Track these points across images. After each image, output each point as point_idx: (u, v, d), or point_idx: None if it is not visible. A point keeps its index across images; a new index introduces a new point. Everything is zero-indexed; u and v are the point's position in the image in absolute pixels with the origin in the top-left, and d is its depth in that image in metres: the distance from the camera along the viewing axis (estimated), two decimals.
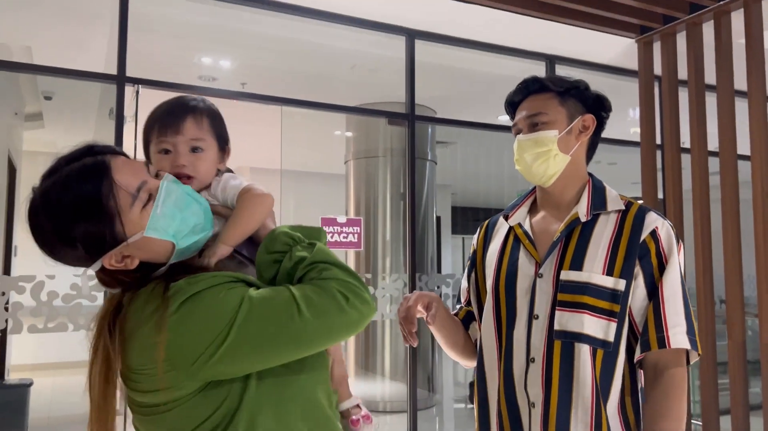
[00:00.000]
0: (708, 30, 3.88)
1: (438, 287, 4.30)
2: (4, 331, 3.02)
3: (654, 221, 1.31)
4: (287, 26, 3.96)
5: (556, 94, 1.39)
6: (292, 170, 5.69)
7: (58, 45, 4.13)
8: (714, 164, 3.84)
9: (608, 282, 1.27)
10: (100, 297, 3.30)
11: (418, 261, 4.55)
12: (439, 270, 9.59)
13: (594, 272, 1.27)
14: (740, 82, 3.71)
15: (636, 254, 1.28)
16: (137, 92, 3.50)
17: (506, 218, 1.49)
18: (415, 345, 1.37)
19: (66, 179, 0.91)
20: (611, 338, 1.26)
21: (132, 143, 3.49)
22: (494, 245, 1.48)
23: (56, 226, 0.91)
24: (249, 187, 1.12)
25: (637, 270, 1.28)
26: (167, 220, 0.94)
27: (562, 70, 4.70)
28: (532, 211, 1.47)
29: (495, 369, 1.37)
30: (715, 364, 3.81)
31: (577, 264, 1.30)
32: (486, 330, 1.41)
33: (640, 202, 1.38)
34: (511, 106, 1.46)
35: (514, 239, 1.43)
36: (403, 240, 5.22)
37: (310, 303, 0.91)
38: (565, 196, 1.40)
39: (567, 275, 1.30)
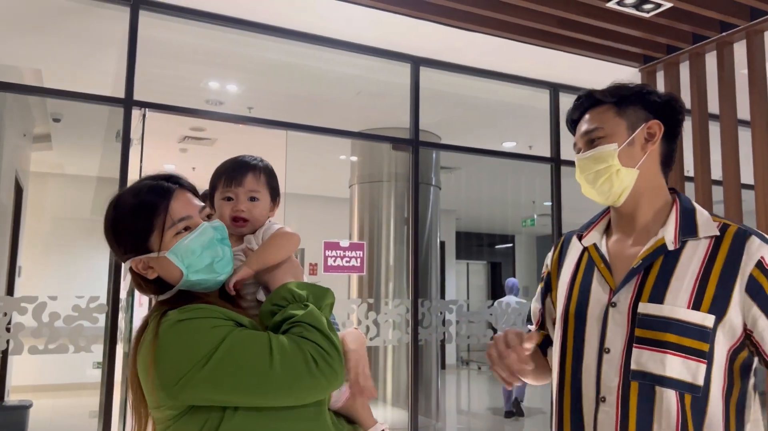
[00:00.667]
0: (711, 60, 3.91)
1: (441, 313, 4.28)
2: (5, 352, 3.02)
3: (758, 248, 1.13)
4: (294, 52, 4.01)
5: (612, 105, 1.25)
6: (296, 193, 5.72)
7: (67, 68, 4.19)
8: (718, 193, 3.84)
9: (695, 317, 1.10)
10: (101, 319, 3.29)
11: (422, 286, 4.54)
12: (442, 296, 9.54)
13: (677, 306, 1.12)
14: (743, 111, 3.73)
15: (732, 287, 1.12)
16: (144, 115, 3.54)
17: (580, 238, 1.33)
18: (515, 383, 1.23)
19: (140, 188, 1.13)
20: (700, 382, 1.10)
21: (138, 165, 3.52)
22: (567, 266, 1.33)
23: (115, 218, 1.12)
24: (282, 227, 1.28)
25: (741, 305, 1.12)
26: (187, 252, 1.10)
27: (565, 98, 4.73)
28: (607, 232, 1.31)
29: (560, 405, 1.24)
30: None
31: (659, 297, 1.14)
32: (555, 361, 1.29)
33: (753, 228, 1.19)
34: (572, 125, 1.34)
35: (588, 261, 1.28)
36: (406, 265, 5.20)
37: (283, 356, 1.00)
38: (641, 215, 1.24)
39: (645, 308, 1.14)
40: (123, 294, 3.51)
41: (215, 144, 6.63)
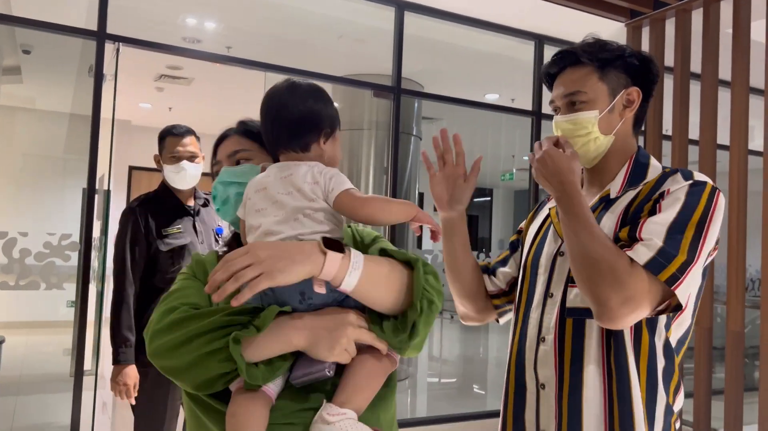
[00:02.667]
0: (697, 18, 3.88)
1: None
2: None
3: (670, 183, 1.16)
4: None
5: (595, 69, 1.24)
6: None
7: None
8: (694, 153, 3.88)
9: None
10: (74, 257, 3.27)
11: (399, 236, 4.57)
12: (419, 246, 9.63)
13: None
14: (725, 71, 3.73)
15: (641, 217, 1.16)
16: (117, 50, 3.42)
17: (549, 199, 1.39)
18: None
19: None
20: None
21: (111, 102, 3.42)
22: (533, 227, 1.40)
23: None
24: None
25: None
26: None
27: (550, 51, 4.68)
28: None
29: (510, 348, 1.31)
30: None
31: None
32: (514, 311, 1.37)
33: (691, 171, 1.20)
34: (548, 78, 1.32)
35: (551, 220, 1.34)
36: None
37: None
38: (606, 173, 1.28)
39: None
40: (96, 233, 3.48)
41: (192, 84, 6.47)
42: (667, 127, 4.07)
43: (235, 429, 0.91)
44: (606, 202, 1.23)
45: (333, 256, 0.92)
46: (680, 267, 1.07)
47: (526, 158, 5.09)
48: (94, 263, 3.49)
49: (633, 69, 1.26)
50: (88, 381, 3.31)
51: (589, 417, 1.16)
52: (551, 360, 1.21)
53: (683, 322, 1.21)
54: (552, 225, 1.32)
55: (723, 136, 3.74)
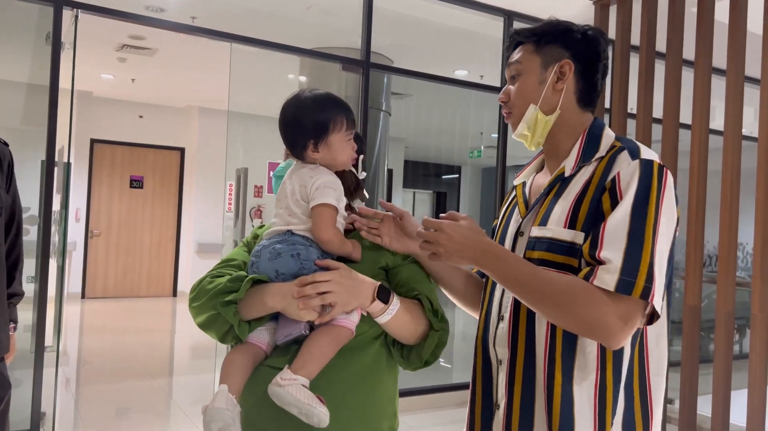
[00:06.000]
0: None
1: None
2: None
3: (619, 164, 1.14)
4: None
5: (532, 43, 1.27)
6: (241, 112, 5.54)
7: None
8: (657, 131, 3.95)
9: (567, 235, 1.15)
10: (32, 231, 3.18)
11: None
12: None
13: (557, 226, 1.17)
14: (689, 51, 3.78)
15: (599, 202, 1.14)
16: (76, 17, 3.30)
17: (517, 175, 1.39)
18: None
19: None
20: None
21: (70, 71, 3.31)
22: (503, 208, 1.41)
23: None
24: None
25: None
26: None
27: (519, 27, 4.68)
28: (543, 167, 1.36)
29: (477, 326, 1.35)
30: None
31: (545, 220, 1.20)
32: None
33: (637, 144, 1.19)
34: (507, 62, 1.36)
35: (516, 198, 1.35)
36: None
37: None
38: (561, 148, 1.27)
39: (535, 231, 1.21)
40: (56, 207, 3.38)
41: (156, 54, 6.29)
42: (632, 106, 4.13)
43: (224, 366, 1.24)
44: (561, 181, 1.22)
45: (377, 304, 1.24)
46: (647, 276, 1.06)
47: (494, 135, 5.11)
48: (54, 238, 3.40)
49: (574, 43, 1.25)
50: (49, 358, 3.25)
51: (540, 395, 1.17)
52: (506, 339, 1.23)
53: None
54: (516, 204, 1.33)
55: (686, 115, 3.81)
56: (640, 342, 1.20)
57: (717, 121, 4.00)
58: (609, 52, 1.31)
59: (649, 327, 1.19)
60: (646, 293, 1.05)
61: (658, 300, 1.08)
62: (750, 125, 3.55)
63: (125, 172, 9.12)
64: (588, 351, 1.15)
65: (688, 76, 3.78)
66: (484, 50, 5.10)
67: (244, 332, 1.23)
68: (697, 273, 3.66)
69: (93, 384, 4.95)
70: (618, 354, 1.15)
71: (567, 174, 1.22)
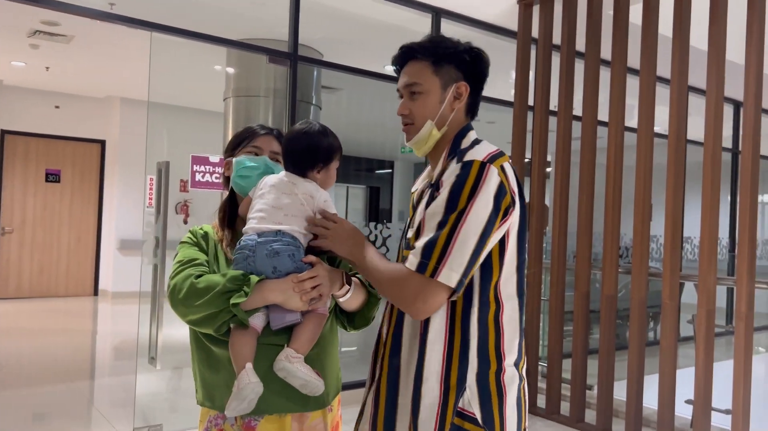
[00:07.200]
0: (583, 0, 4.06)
1: None
2: None
3: (449, 171, 1.33)
4: None
5: (430, 63, 1.41)
6: (163, 103, 5.33)
7: None
8: (577, 129, 4.10)
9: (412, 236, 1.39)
10: None
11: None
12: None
13: (413, 227, 1.40)
14: (607, 51, 3.94)
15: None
16: None
17: (415, 181, 1.59)
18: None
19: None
20: None
21: None
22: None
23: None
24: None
25: None
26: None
27: (447, 24, 4.74)
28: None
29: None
30: (563, 312, 4.16)
31: (413, 223, 1.42)
32: None
33: (475, 149, 1.37)
34: (396, 71, 1.49)
35: (412, 202, 1.54)
36: None
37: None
38: (439, 155, 1.45)
39: (409, 233, 1.43)
40: None
41: (72, 42, 5.98)
42: (555, 104, 4.27)
43: (236, 350, 1.43)
44: (431, 187, 1.39)
45: (345, 287, 1.51)
46: (438, 257, 1.27)
47: None
48: None
49: (464, 64, 1.42)
50: None
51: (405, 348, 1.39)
52: (388, 317, 1.47)
53: (507, 281, 1.36)
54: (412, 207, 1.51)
55: (604, 113, 3.97)
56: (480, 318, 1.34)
57: (635, 119, 4.19)
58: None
59: (505, 305, 1.36)
60: (435, 271, 1.27)
61: (450, 277, 1.27)
62: (664, 123, 3.74)
63: (40, 165, 8.64)
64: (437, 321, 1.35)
65: (606, 76, 3.94)
66: None
67: (247, 321, 1.42)
68: (613, 264, 3.83)
69: (8, 389, 4.68)
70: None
71: (434, 181, 1.39)
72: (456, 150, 1.39)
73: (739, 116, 7.49)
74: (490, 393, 1.32)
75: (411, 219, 1.46)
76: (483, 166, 1.29)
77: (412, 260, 1.30)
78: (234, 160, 1.61)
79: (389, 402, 1.39)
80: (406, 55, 1.44)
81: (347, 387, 3.98)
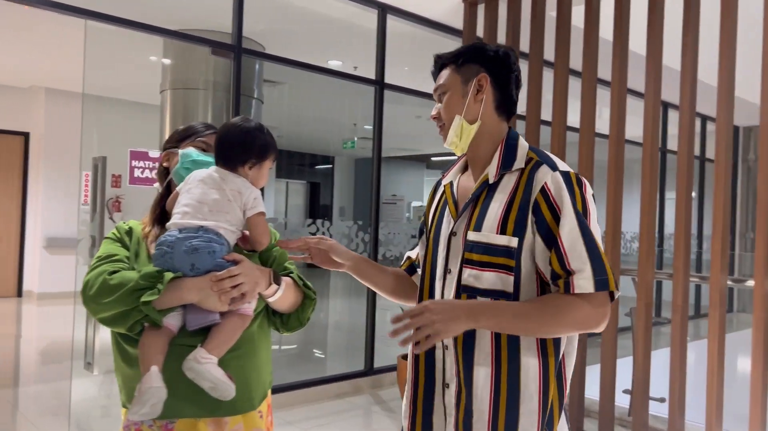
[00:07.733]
0: (527, 1, 4.13)
1: None
2: None
3: (543, 176, 1.35)
4: None
5: (452, 64, 1.47)
6: (97, 95, 5.08)
7: None
8: (521, 128, 4.17)
9: (501, 240, 1.35)
10: None
11: None
12: None
13: (491, 233, 1.36)
14: (550, 53, 4.03)
15: (527, 212, 1.35)
16: None
17: (444, 175, 1.59)
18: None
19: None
20: (510, 290, 1.35)
21: None
22: (433, 206, 1.59)
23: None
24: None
25: (531, 225, 1.34)
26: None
27: (393, 20, 4.73)
28: (467, 168, 1.55)
29: None
30: None
31: (479, 226, 1.39)
32: (420, 281, 1.56)
33: (551, 157, 1.42)
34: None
35: (444, 198, 1.53)
36: None
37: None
38: (480, 155, 1.47)
39: (471, 236, 1.39)
40: None
41: None
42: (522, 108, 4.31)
43: (144, 351, 1.38)
44: (488, 186, 1.42)
45: (273, 287, 1.49)
46: (610, 270, 1.31)
47: (368, 127, 5.14)
48: None
49: (487, 59, 1.44)
50: None
51: (479, 375, 1.37)
52: None
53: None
54: (447, 204, 1.50)
55: (547, 113, 4.06)
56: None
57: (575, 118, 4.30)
58: (520, 65, 1.50)
59: None
60: (615, 284, 1.32)
61: (614, 283, 1.33)
62: (605, 122, 3.86)
63: None
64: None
65: (549, 77, 4.03)
66: (359, 42, 5.10)
67: (160, 320, 1.37)
68: None
69: None
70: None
71: (491, 181, 1.41)
72: (513, 151, 1.42)
73: (667, 117, 7.85)
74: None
75: (460, 217, 1.43)
76: (579, 178, 1.37)
77: (583, 283, 1.29)
78: (180, 151, 1.56)
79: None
80: (436, 65, 1.51)
81: (281, 389, 3.91)
